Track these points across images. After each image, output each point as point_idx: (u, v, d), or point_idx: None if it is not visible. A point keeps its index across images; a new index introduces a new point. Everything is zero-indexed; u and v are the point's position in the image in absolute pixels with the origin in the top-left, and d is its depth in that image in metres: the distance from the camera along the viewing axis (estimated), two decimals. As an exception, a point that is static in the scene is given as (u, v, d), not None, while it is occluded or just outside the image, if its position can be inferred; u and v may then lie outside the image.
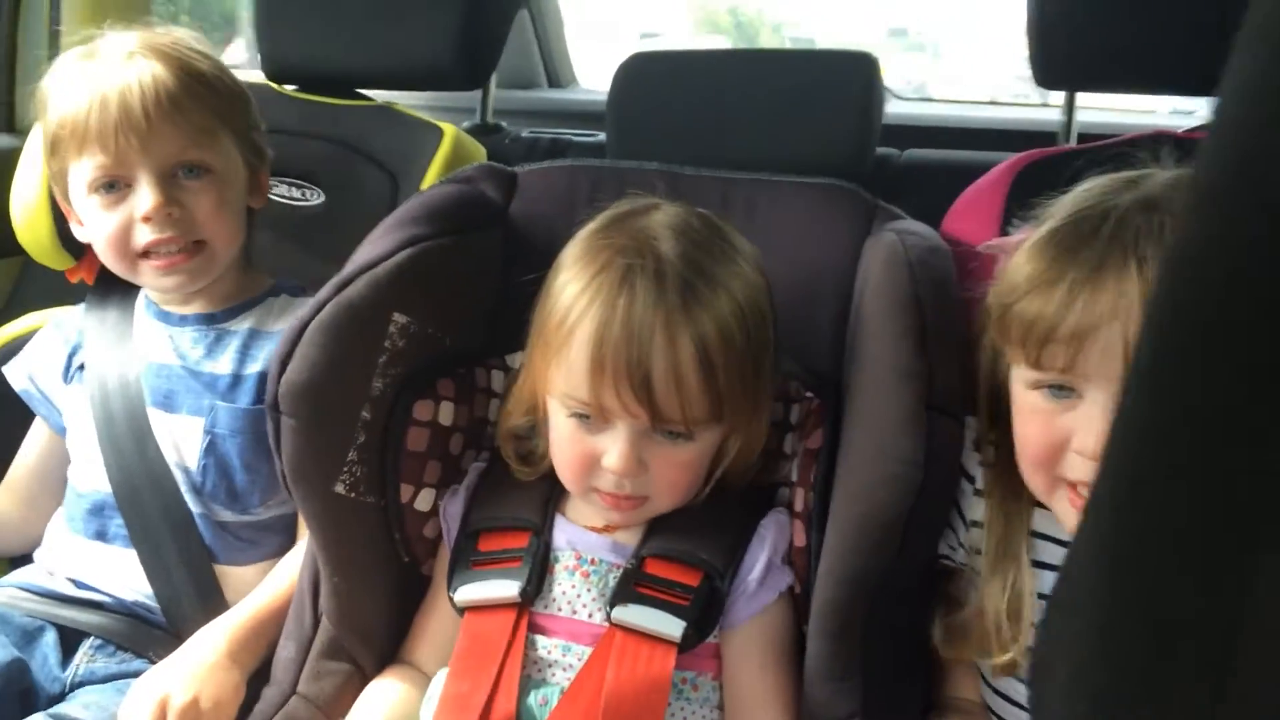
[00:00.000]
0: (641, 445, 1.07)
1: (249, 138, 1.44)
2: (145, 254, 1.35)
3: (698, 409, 1.05)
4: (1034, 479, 1.02)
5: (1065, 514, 1.01)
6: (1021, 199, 1.26)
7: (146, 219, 1.32)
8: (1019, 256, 1.02)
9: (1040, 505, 1.08)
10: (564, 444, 1.11)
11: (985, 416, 1.11)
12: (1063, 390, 0.97)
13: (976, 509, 1.11)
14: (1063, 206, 1.02)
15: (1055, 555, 1.08)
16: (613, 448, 1.07)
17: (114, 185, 1.34)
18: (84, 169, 1.34)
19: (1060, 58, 1.52)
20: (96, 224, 1.36)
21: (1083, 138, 1.72)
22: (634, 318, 1.03)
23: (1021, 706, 1.13)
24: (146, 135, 1.30)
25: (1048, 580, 1.07)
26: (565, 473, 1.13)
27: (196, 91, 1.36)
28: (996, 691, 1.15)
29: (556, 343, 1.08)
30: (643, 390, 1.03)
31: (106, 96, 1.31)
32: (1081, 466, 0.96)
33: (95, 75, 1.33)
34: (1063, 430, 0.97)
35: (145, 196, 1.32)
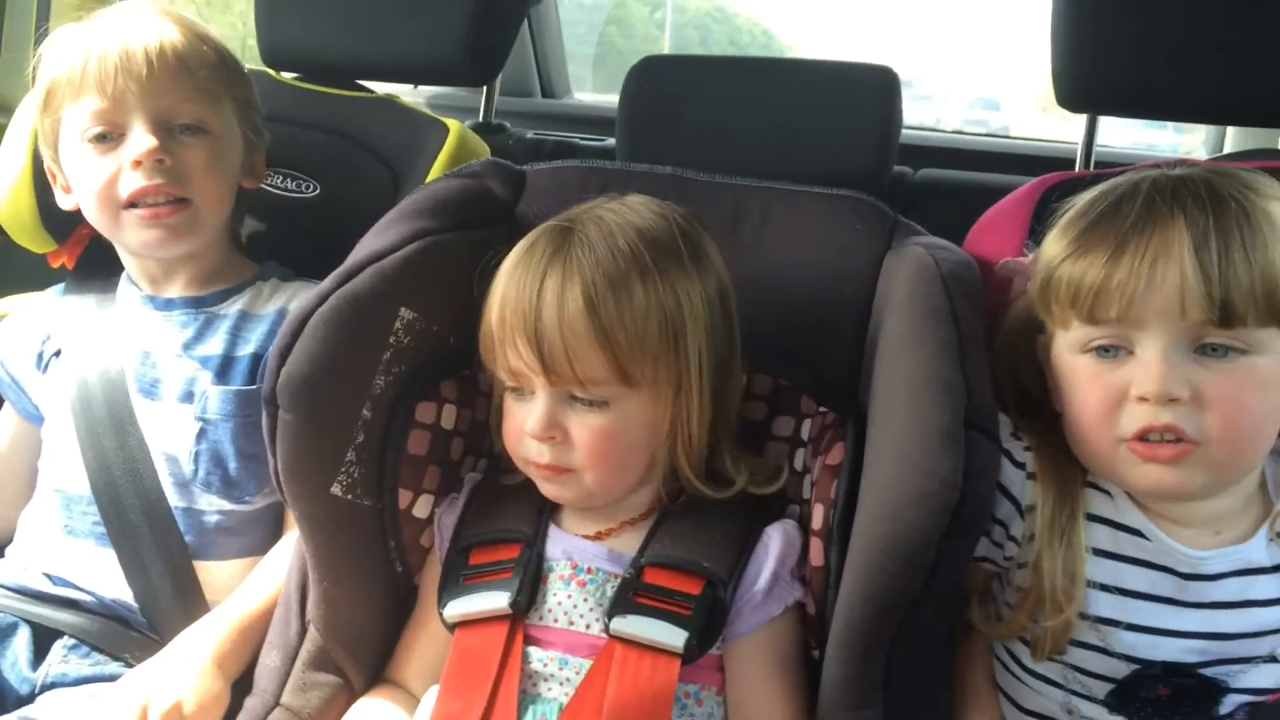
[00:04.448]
0: (558, 411, 1.06)
1: (250, 114, 1.41)
2: (131, 206, 1.30)
3: (590, 366, 1.04)
4: (1093, 446, 1.03)
5: (1131, 473, 1.01)
6: (1046, 220, 1.24)
7: (137, 163, 1.28)
8: (1051, 235, 1.07)
9: (1089, 485, 1.08)
10: (505, 419, 1.12)
11: (1016, 415, 1.13)
12: (1113, 350, 1.00)
13: (1032, 493, 1.09)
14: (1084, 197, 1.07)
15: (1104, 539, 1.07)
16: (531, 413, 1.06)
17: (107, 136, 1.30)
18: (78, 116, 1.30)
19: (1084, 81, 1.52)
20: (85, 173, 1.31)
21: (1098, 165, 1.71)
22: (530, 271, 1.06)
23: None
24: (146, 83, 1.28)
25: (1096, 567, 1.06)
26: (507, 446, 1.13)
27: (203, 53, 1.33)
28: (1024, 710, 1.13)
29: (487, 318, 1.10)
30: (535, 343, 1.04)
31: (107, 46, 1.28)
32: (1142, 413, 0.98)
33: (96, 31, 1.30)
34: (1119, 383, 0.99)
35: (139, 139, 1.28)
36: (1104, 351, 1.01)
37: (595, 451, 1.07)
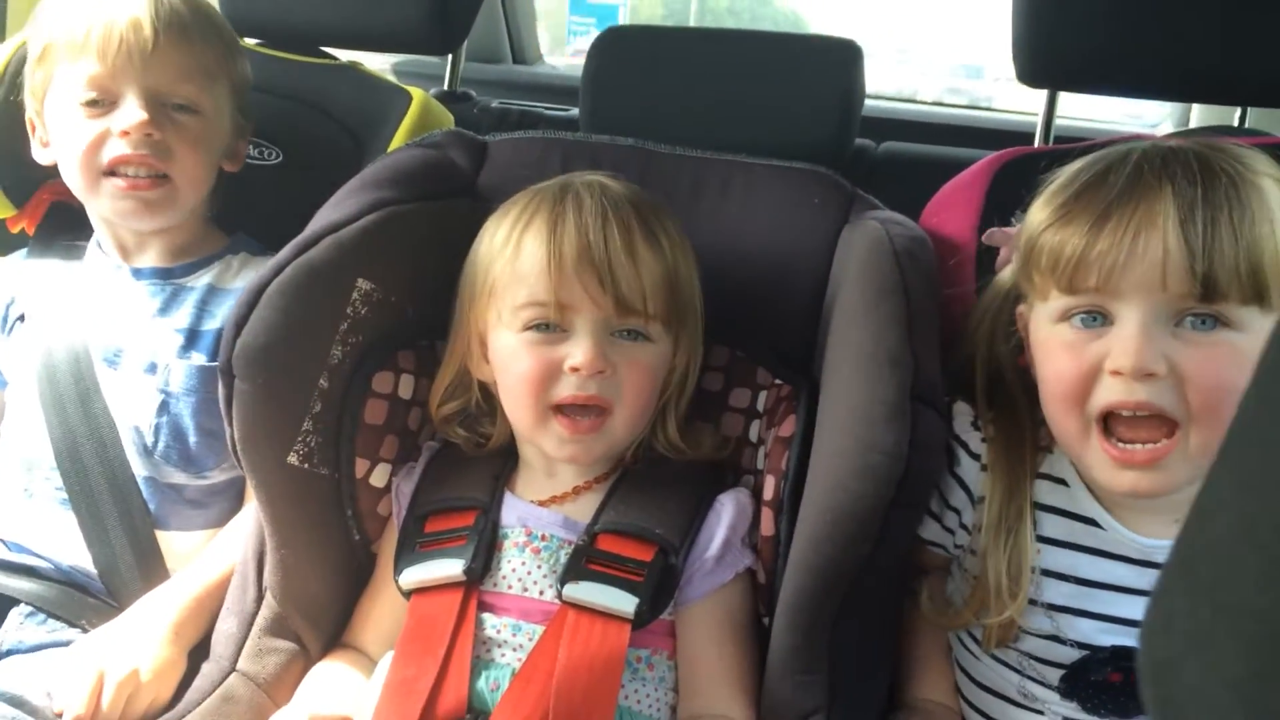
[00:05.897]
0: (605, 344, 1.08)
1: (242, 97, 1.41)
2: (111, 173, 1.30)
3: (658, 298, 1.09)
4: (1065, 422, 1.00)
5: (1098, 463, 0.98)
6: (1001, 196, 1.25)
7: (125, 134, 1.27)
8: (1037, 203, 1.04)
9: (1042, 476, 1.08)
10: (519, 359, 1.09)
11: (983, 398, 1.12)
12: (1093, 317, 0.98)
13: (984, 485, 1.09)
14: (1072, 165, 1.04)
15: (1058, 529, 1.06)
16: (576, 346, 1.07)
17: (99, 103, 1.29)
18: (73, 78, 1.28)
19: (1043, 57, 1.51)
20: (71, 133, 1.30)
21: (1057, 140, 1.72)
22: (584, 212, 1.08)
23: (1011, 700, 1.11)
24: (149, 56, 1.27)
25: (1050, 556, 1.06)
26: (522, 393, 1.10)
27: (208, 30, 1.33)
28: (981, 686, 1.13)
29: (493, 276, 1.11)
30: (605, 274, 1.06)
31: (115, 14, 1.27)
32: (1115, 388, 0.95)
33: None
34: (1094, 356, 0.96)
35: (131, 111, 1.27)
36: (1084, 320, 0.98)
37: (637, 386, 1.10)
